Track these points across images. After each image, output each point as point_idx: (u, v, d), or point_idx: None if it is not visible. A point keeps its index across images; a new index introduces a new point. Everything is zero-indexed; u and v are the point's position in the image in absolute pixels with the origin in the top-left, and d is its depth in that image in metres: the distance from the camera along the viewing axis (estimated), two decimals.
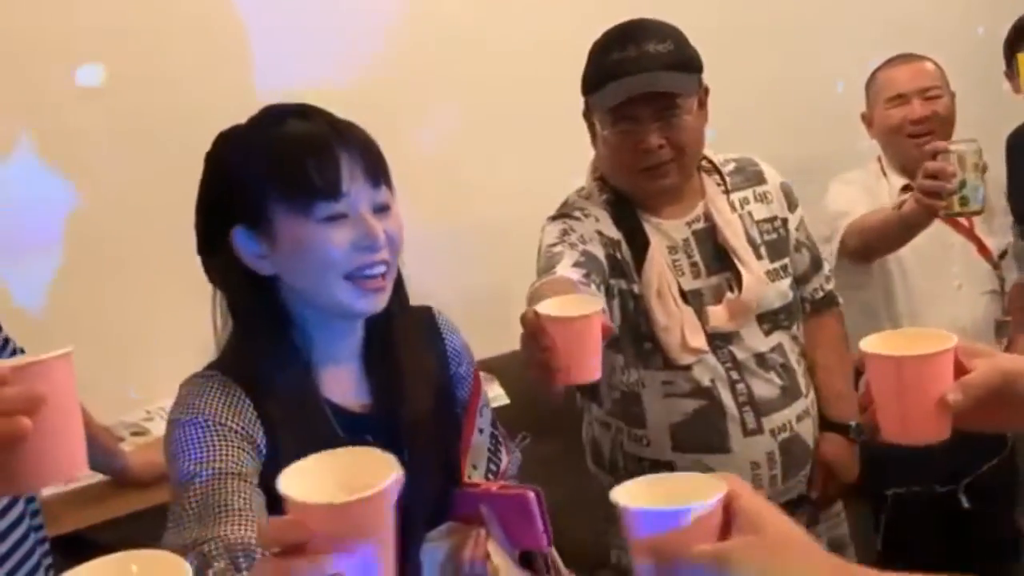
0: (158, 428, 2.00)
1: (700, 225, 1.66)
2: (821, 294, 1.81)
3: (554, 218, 1.66)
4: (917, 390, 0.93)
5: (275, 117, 1.11)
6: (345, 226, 1.07)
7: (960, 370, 0.94)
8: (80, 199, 2.11)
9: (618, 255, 1.61)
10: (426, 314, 1.28)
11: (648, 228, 1.64)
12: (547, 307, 1.11)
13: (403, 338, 1.19)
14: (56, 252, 2.08)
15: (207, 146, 1.15)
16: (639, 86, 1.54)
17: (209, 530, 0.95)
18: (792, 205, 1.75)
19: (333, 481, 0.71)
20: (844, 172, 2.28)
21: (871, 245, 2.04)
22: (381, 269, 1.09)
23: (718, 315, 1.61)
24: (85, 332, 2.08)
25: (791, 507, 1.66)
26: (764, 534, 0.75)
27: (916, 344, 0.94)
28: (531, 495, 1.13)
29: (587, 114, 1.66)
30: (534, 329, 1.08)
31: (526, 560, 1.22)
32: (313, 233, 1.06)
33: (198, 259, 1.17)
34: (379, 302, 1.11)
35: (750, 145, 1.80)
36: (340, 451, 0.76)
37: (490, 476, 1.25)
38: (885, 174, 2.24)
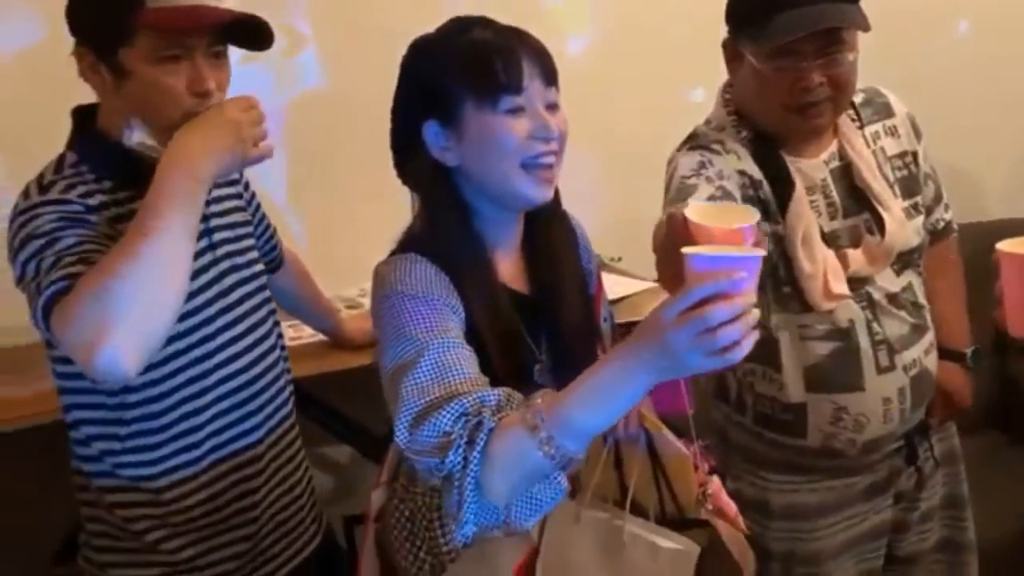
0: (368, 303, 2.29)
1: (836, 164, 1.61)
2: (942, 224, 1.78)
3: (689, 149, 1.59)
4: None
5: (462, 26, 1.24)
6: (523, 118, 1.18)
7: None
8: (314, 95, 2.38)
9: (760, 195, 1.56)
10: (565, 215, 1.37)
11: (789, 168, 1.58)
12: (698, 212, 1.05)
13: (560, 235, 1.31)
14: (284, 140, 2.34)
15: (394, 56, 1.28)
16: (817, 20, 1.43)
17: (452, 391, 1.06)
18: (919, 135, 1.69)
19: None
20: None
21: None
22: (551, 160, 1.21)
23: (857, 260, 1.57)
24: (309, 213, 2.39)
25: (911, 434, 1.69)
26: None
27: None
28: None
29: (730, 43, 1.57)
30: (678, 235, 1.05)
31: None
32: (496, 123, 1.18)
33: None
34: (548, 192, 1.22)
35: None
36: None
37: None
38: None
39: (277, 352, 1.49)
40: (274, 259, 1.66)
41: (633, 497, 1.22)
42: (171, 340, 1.31)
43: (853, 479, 1.69)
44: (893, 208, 1.59)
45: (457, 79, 1.19)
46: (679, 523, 1.24)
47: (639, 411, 1.21)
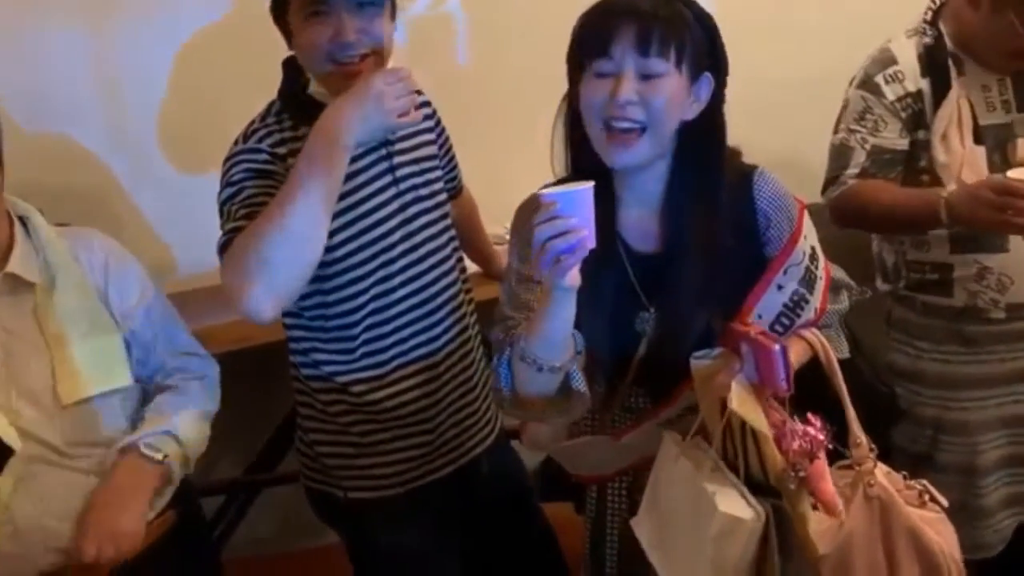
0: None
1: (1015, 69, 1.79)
2: None
3: (861, 84, 1.84)
4: None
5: None
6: (609, 81, 1.28)
7: None
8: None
9: (919, 106, 1.79)
10: (745, 175, 1.40)
11: (967, 67, 1.77)
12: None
13: (699, 192, 1.35)
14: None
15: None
16: None
17: (518, 313, 1.37)
18: None
19: None
20: None
21: None
22: (624, 124, 1.28)
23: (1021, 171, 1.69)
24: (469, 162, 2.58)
25: None
26: None
27: None
28: (776, 348, 1.25)
29: None
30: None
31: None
32: (586, 85, 1.30)
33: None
34: (625, 157, 1.30)
35: None
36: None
37: (777, 328, 1.37)
38: None
39: (456, 273, 1.69)
40: (455, 187, 1.85)
41: (727, 456, 1.33)
42: (359, 265, 1.54)
43: (1007, 355, 1.83)
44: None
45: (574, 42, 1.33)
46: (759, 487, 1.29)
47: (731, 379, 1.29)
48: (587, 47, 1.29)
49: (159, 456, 1.55)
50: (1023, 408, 1.88)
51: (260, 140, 1.50)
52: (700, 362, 1.34)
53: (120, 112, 2.32)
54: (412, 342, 1.63)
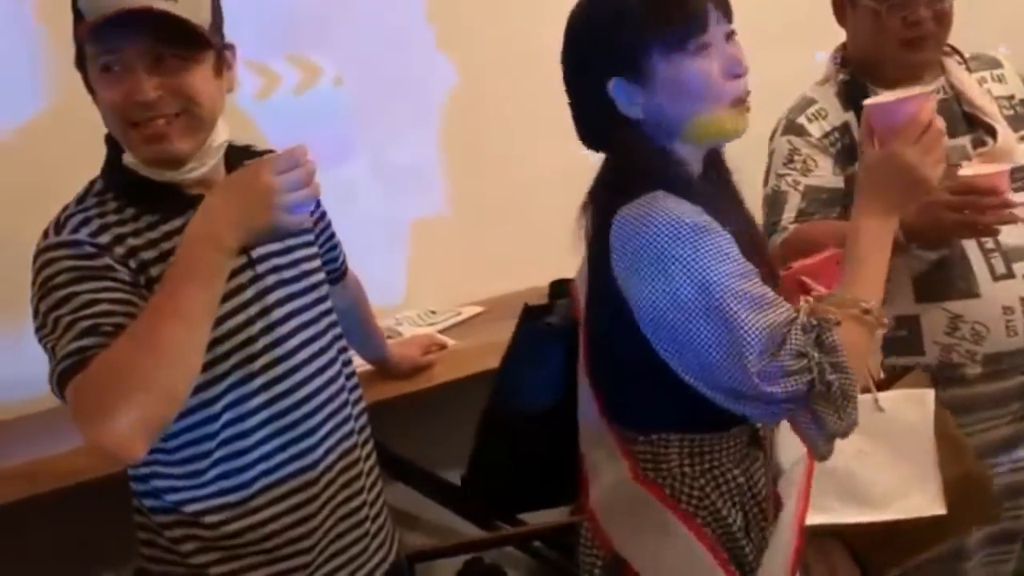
0: (407, 331, 2.24)
1: (941, 95, 1.75)
2: None
3: (785, 130, 1.79)
4: None
5: None
6: (712, 55, 1.19)
7: None
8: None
9: (847, 140, 1.74)
10: None
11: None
12: (975, 168, 1.55)
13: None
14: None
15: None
16: None
17: (790, 314, 1.13)
18: None
19: None
20: None
21: None
22: (748, 89, 1.22)
23: (972, 168, 1.65)
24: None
25: None
26: None
27: None
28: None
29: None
30: (989, 186, 1.50)
31: None
32: (690, 64, 1.19)
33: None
34: (748, 122, 1.23)
35: None
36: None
37: None
38: None
39: (338, 366, 1.42)
40: (335, 270, 1.60)
41: None
42: (210, 366, 1.25)
43: (983, 424, 1.71)
44: (1002, 122, 1.74)
45: (641, 30, 1.19)
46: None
47: None
48: (680, 26, 1.19)
49: None
50: (1006, 480, 1.75)
51: (76, 229, 1.24)
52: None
53: None
54: (280, 457, 1.33)
